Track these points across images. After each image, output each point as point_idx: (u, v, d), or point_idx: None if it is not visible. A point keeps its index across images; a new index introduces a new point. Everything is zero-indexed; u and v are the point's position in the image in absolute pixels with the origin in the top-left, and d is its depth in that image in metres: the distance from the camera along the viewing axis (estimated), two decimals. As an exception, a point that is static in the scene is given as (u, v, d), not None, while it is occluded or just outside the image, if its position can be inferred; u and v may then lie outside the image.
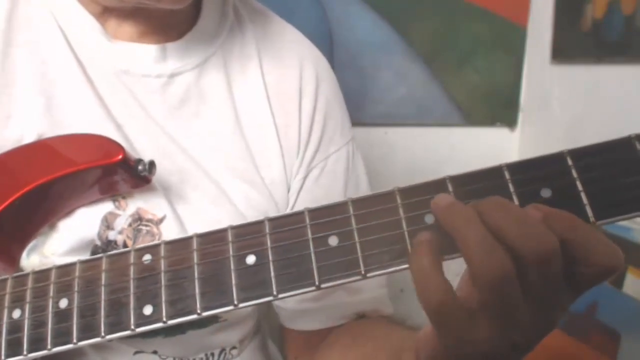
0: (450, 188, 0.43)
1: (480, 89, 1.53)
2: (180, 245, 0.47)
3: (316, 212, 0.45)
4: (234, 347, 0.73)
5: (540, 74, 1.48)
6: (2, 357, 0.50)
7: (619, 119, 1.22)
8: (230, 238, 0.46)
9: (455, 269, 0.43)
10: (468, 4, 1.48)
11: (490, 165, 0.43)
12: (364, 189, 0.77)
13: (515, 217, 0.40)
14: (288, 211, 0.71)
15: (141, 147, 0.64)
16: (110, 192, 0.61)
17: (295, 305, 0.72)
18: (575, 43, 1.35)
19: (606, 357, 1.05)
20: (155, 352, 0.67)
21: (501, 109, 1.55)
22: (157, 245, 0.48)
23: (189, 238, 0.47)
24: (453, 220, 0.41)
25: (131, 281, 0.47)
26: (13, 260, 0.58)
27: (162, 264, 0.47)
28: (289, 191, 0.72)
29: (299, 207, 0.71)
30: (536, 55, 1.49)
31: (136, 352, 0.66)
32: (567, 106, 1.40)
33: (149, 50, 0.66)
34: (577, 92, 1.36)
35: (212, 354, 0.71)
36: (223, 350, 0.72)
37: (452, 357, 0.43)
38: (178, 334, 0.66)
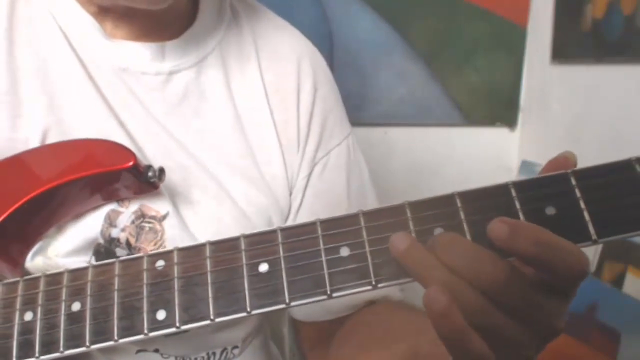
0: (458, 204, 0.44)
1: (480, 89, 1.53)
2: (193, 252, 0.48)
3: (328, 223, 0.46)
4: (235, 347, 0.73)
5: (540, 74, 1.49)
6: (14, 359, 0.50)
7: (619, 119, 1.23)
8: (243, 246, 0.47)
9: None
10: (468, 4, 1.49)
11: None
12: (367, 180, 0.78)
13: (466, 254, 0.41)
14: (294, 211, 0.72)
15: (142, 144, 0.64)
16: (116, 197, 0.61)
17: None
18: (575, 43, 1.36)
19: (606, 357, 1.06)
20: (157, 351, 0.67)
21: (501, 109, 1.56)
22: (170, 252, 0.48)
23: (202, 245, 0.48)
24: (414, 269, 0.43)
25: (144, 286, 0.48)
26: (17, 263, 0.59)
27: (175, 270, 0.48)
28: (290, 188, 0.72)
29: (305, 205, 0.72)
30: (536, 55, 1.50)
31: (138, 351, 0.66)
32: (567, 106, 1.40)
33: (146, 49, 0.66)
34: (577, 92, 1.37)
35: (214, 353, 0.71)
36: (225, 349, 0.72)
37: None
38: (180, 333, 0.66)
